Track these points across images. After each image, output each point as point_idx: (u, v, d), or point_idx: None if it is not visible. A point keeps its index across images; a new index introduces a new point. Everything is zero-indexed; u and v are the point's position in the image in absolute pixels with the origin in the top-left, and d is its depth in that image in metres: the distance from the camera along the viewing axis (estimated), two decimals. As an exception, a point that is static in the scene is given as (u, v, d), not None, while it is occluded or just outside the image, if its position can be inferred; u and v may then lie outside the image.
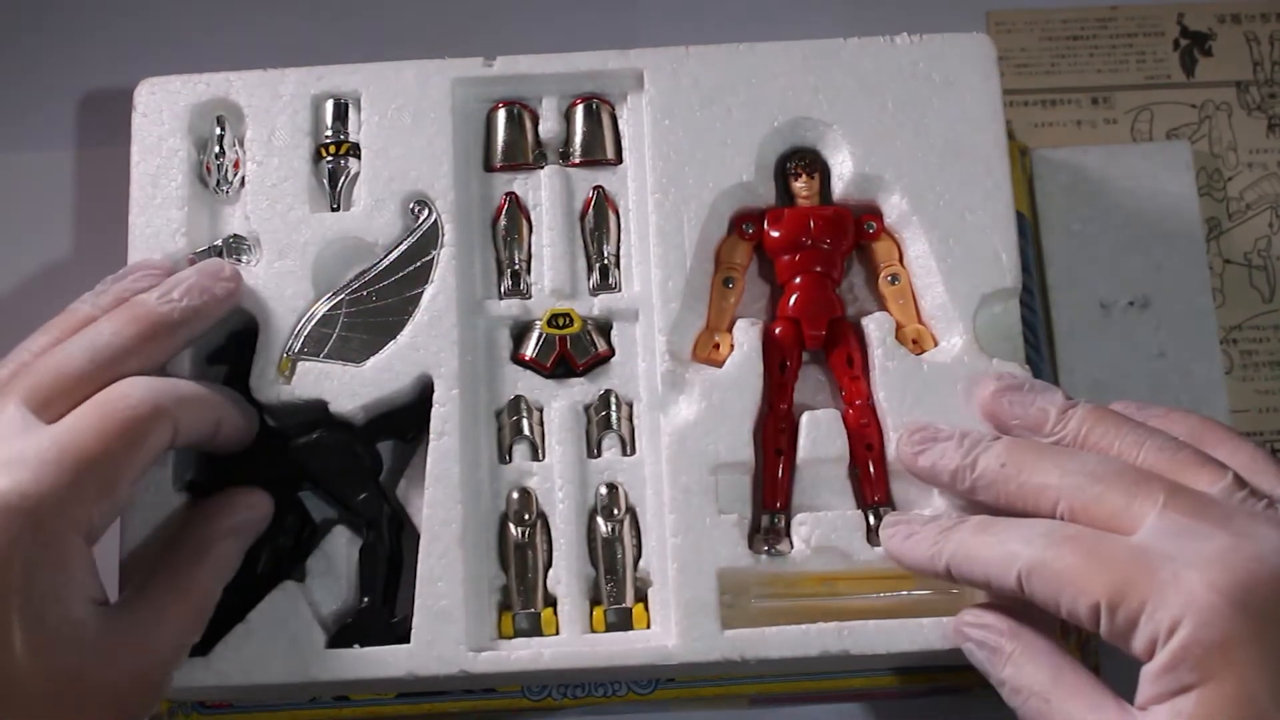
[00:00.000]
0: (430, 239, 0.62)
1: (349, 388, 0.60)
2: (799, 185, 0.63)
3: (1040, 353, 0.70)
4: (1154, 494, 0.50)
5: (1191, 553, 0.48)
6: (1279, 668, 0.47)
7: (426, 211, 0.62)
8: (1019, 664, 0.53)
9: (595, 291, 0.63)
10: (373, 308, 0.61)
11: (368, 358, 0.61)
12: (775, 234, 0.62)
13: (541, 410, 0.61)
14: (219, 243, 0.62)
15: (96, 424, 0.52)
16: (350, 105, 0.64)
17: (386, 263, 0.62)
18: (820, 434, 0.60)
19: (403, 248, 0.62)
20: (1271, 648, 0.47)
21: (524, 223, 0.63)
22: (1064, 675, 0.52)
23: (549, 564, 0.60)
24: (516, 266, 0.63)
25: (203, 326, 0.59)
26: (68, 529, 0.51)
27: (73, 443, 0.51)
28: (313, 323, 0.61)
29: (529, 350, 0.62)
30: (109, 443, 0.52)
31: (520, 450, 0.61)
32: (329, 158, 0.63)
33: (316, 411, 0.61)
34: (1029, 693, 0.52)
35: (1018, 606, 0.54)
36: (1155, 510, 0.50)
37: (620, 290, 0.63)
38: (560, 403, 0.61)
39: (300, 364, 0.61)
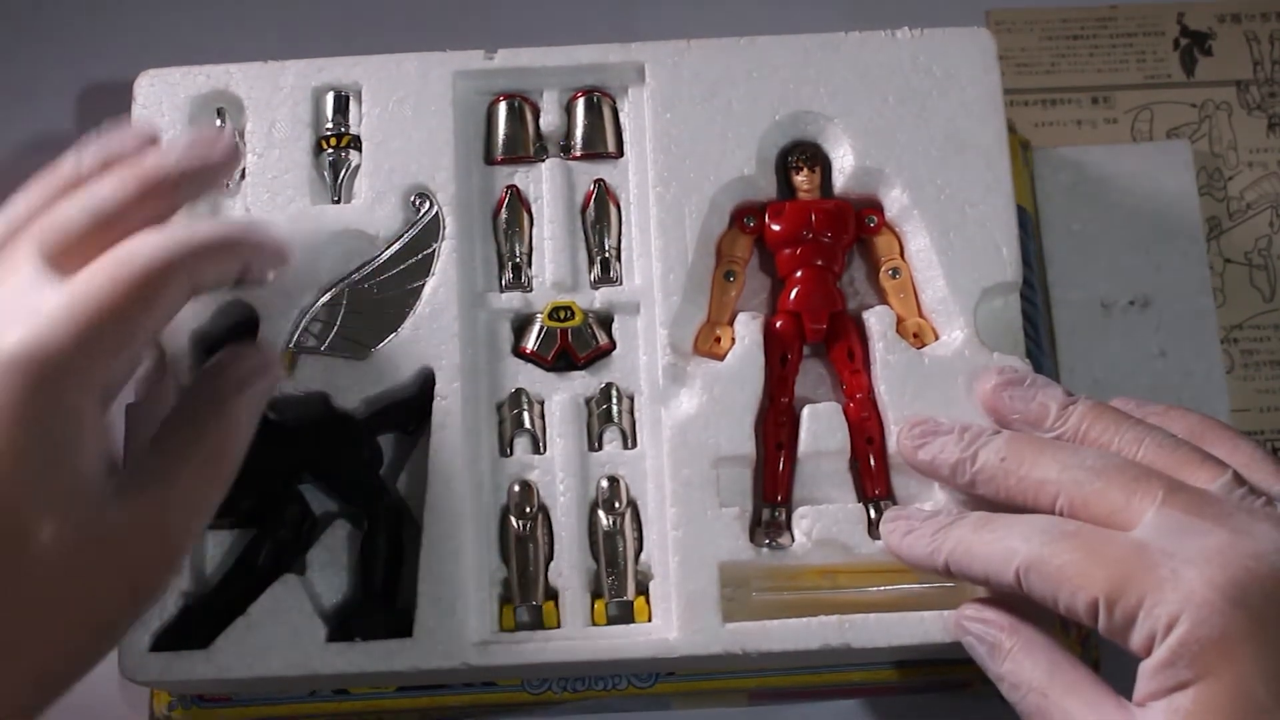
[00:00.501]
0: (431, 232, 0.62)
1: (350, 381, 0.60)
2: (800, 179, 0.63)
3: (1042, 347, 0.70)
4: (1153, 490, 0.50)
5: (1190, 549, 0.48)
6: (1276, 664, 0.47)
7: (427, 204, 0.62)
8: (1018, 659, 0.53)
9: (596, 285, 0.63)
10: (374, 301, 0.61)
11: (369, 351, 0.61)
12: (776, 227, 0.62)
13: (543, 403, 0.61)
14: None
15: (109, 281, 0.50)
16: (351, 98, 0.64)
17: (387, 256, 0.62)
18: (821, 427, 0.60)
19: (404, 240, 0.62)
20: (1269, 644, 0.47)
21: (525, 216, 0.63)
22: (1062, 671, 0.52)
23: (550, 557, 0.60)
24: (517, 259, 0.63)
25: (202, 189, 0.57)
26: (81, 387, 0.49)
27: (85, 300, 0.49)
28: (314, 316, 0.61)
29: (530, 343, 0.62)
30: (122, 300, 0.49)
31: (521, 443, 0.61)
32: (330, 150, 0.63)
33: (318, 404, 0.61)
34: (1027, 688, 0.52)
35: (1017, 602, 0.53)
36: (1154, 506, 0.50)
37: (621, 283, 0.63)
38: (561, 396, 0.61)
39: (301, 357, 0.61)
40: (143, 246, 0.51)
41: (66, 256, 0.51)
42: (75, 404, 0.49)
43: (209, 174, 0.56)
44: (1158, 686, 0.48)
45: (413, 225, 0.62)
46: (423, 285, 0.61)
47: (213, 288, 0.55)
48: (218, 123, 0.62)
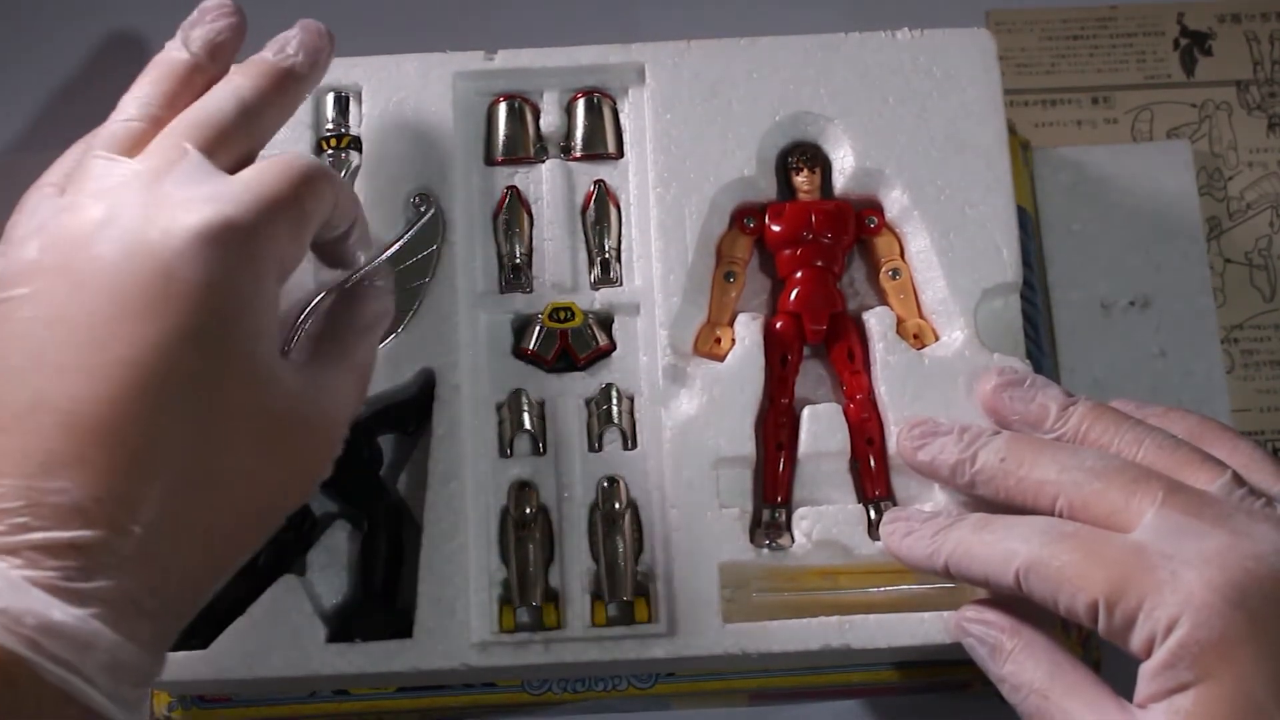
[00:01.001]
0: (431, 233, 0.62)
1: (350, 381, 0.60)
2: (800, 179, 0.63)
3: (1042, 348, 0.70)
4: (1152, 491, 0.50)
5: (1189, 551, 0.48)
6: (1277, 665, 0.47)
7: (427, 205, 0.62)
8: (1018, 661, 0.53)
9: (596, 285, 0.63)
10: (374, 301, 0.61)
11: (369, 351, 0.61)
12: (776, 228, 0.62)
13: (543, 404, 0.61)
14: None
15: (280, 172, 0.51)
16: (351, 98, 0.64)
17: (387, 256, 0.61)
18: (821, 428, 0.60)
19: (404, 241, 0.62)
20: (1269, 645, 0.47)
21: (525, 217, 0.63)
22: (1063, 672, 0.52)
23: (550, 558, 0.60)
24: (518, 260, 0.63)
25: (316, 82, 0.58)
26: (271, 265, 0.50)
27: (263, 185, 0.50)
28: (314, 317, 0.61)
29: (530, 344, 0.62)
30: (296, 188, 0.51)
31: (521, 444, 0.61)
32: (330, 151, 0.63)
33: (317, 405, 0.61)
34: (1028, 689, 0.52)
35: (1018, 603, 0.53)
36: (1154, 508, 0.50)
37: (621, 284, 0.63)
38: (561, 396, 0.61)
39: (301, 357, 0.61)
40: (297, 155, 0.53)
41: (221, 148, 0.52)
42: (269, 281, 0.50)
43: (323, 66, 0.57)
44: (1158, 688, 0.48)
45: (413, 226, 0.62)
46: (423, 286, 0.61)
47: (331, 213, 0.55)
48: None
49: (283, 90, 0.55)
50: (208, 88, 0.54)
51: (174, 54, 0.55)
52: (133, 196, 0.50)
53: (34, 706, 0.43)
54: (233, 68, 0.56)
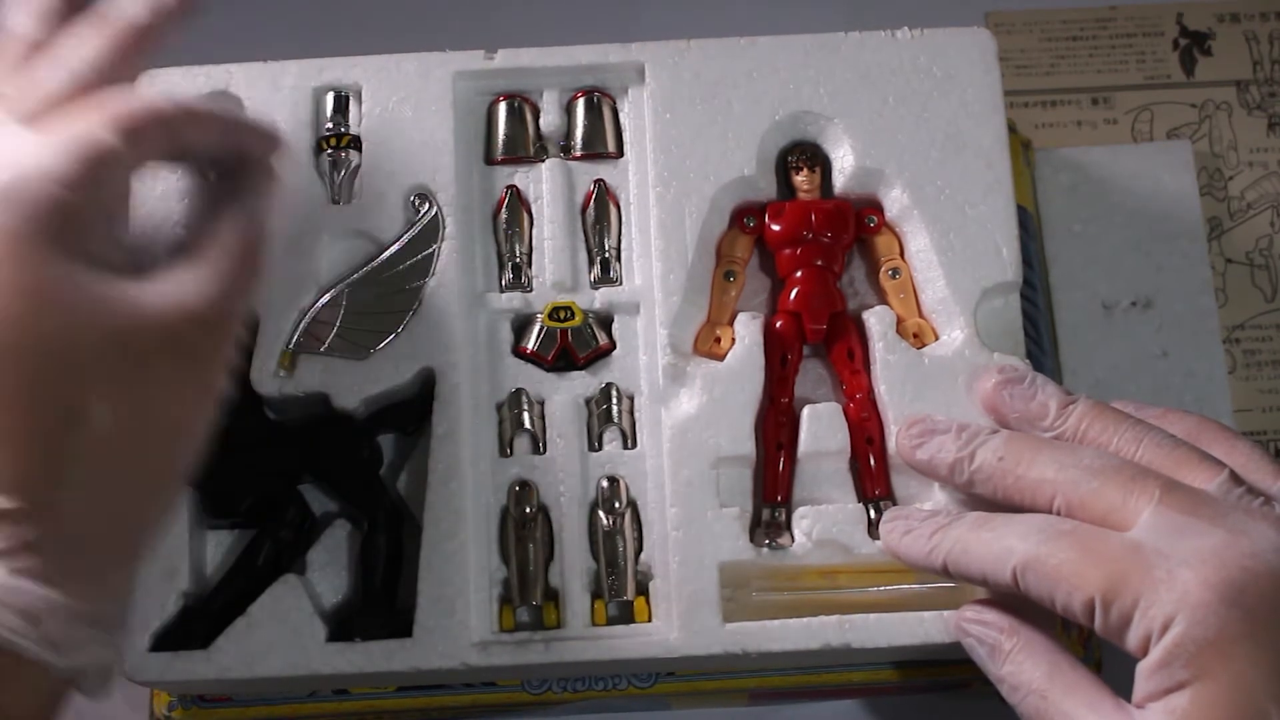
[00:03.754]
0: (431, 232, 0.62)
1: (350, 381, 0.60)
2: (800, 179, 0.63)
3: (1043, 347, 0.70)
4: (1150, 490, 0.50)
5: (1186, 549, 0.48)
6: (1274, 664, 0.47)
7: (427, 205, 0.62)
8: (1018, 661, 0.53)
9: (596, 285, 0.63)
10: (374, 301, 0.61)
11: (369, 351, 0.61)
12: (776, 228, 0.62)
13: (543, 403, 0.61)
14: None
15: (98, 116, 0.48)
16: (351, 98, 0.64)
17: (387, 256, 0.62)
18: (821, 427, 0.60)
19: (404, 241, 0.62)
20: (1266, 644, 0.47)
21: (525, 216, 0.63)
22: (1062, 672, 0.52)
23: (550, 557, 0.60)
24: (518, 260, 0.63)
25: (164, 39, 0.53)
26: (80, 216, 0.48)
27: (77, 135, 0.48)
28: (313, 316, 0.61)
29: (530, 343, 0.62)
30: (110, 136, 0.48)
31: (521, 443, 0.61)
32: (329, 150, 0.63)
33: (318, 405, 0.61)
34: (1027, 689, 0.52)
35: (1018, 603, 0.53)
36: (1151, 506, 0.50)
37: (621, 284, 0.63)
38: (561, 396, 0.61)
39: (301, 357, 0.61)
40: (124, 94, 0.50)
41: (47, 118, 0.49)
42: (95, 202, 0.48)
43: (172, 20, 0.53)
44: (1155, 687, 0.48)
45: (413, 225, 0.62)
46: (423, 285, 0.61)
47: (202, 152, 0.53)
48: None
49: (125, 50, 0.52)
50: None
51: (16, 25, 0.52)
52: None
53: None
54: (71, 30, 0.52)
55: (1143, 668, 0.48)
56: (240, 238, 0.52)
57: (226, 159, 0.54)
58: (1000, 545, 0.52)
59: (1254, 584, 0.48)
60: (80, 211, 0.47)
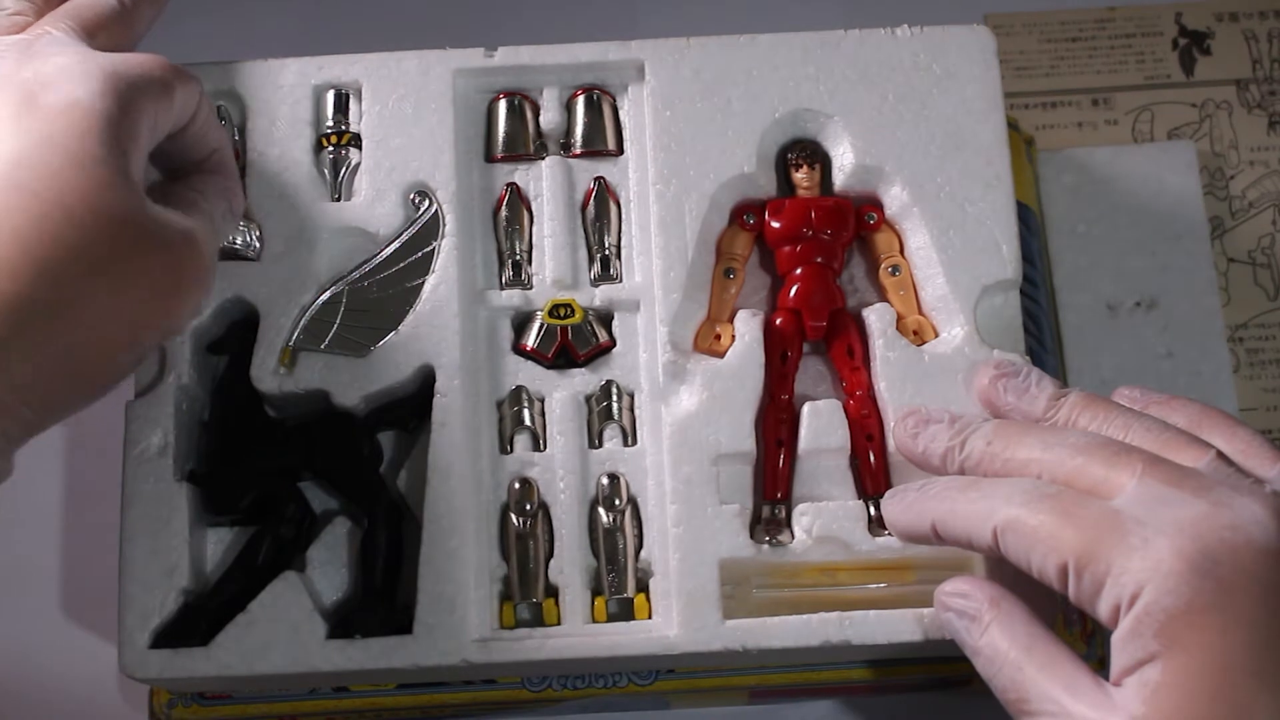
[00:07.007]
0: (431, 229, 0.62)
1: (350, 378, 0.60)
2: (800, 176, 0.63)
3: (1046, 346, 0.70)
4: (1133, 464, 0.50)
5: (1165, 518, 0.48)
6: (1249, 636, 0.46)
7: (427, 202, 0.62)
8: (994, 633, 0.52)
9: (596, 282, 0.63)
10: (374, 298, 0.61)
11: (369, 348, 0.61)
12: (776, 225, 0.62)
13: (543, 401, 0.61)
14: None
15: (152, 58, 0.54)
16: (351, 96, 0.64)
17: (387, 253, 0.62)
18: (821, 424, 0.60)
19: (404, 238, 0.62)
20: (1239, 616, 0.46)
21: (525, 213, 0.63)
22: (1040, 646, 0.50)
23: (550, 554, 0.60)
24: (518, 257, 0.63)
25: None
26: (149, 114, 0.53)
27: (142, 62, 0.54)
28: (314, 313, 0.61)
29: (530, 341, 0.62)
30: (164, 71, 0.54)
31: (521, 440, 0.61)
32: (330, 148, 0.63)
33: (318, 402, 0.61)
34: (1003, 661, 0.51)
35: (1009, 582, 0.53)
36: (1134, 479, 0.49)
37: (621, 281, 0.63)
38: (561, 393, 0.61)
39: (301, 355, 0.61)
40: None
41: (94, 36, 0.55)
42: (148, 123, 0.53)
43: None
44: (1128, 660, 0.47)
45: (413, 223, 0.62)
46: (423, 283, 0.61)
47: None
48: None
49: None
50: None
51: None
52: (8, 56, 0.53)
53: None
54: None
55: (1115, 640, 0.47)
56: (220, 195, 0.57)
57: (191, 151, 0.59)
58: (984, 505, 0.51)
59: (1231, 556, 0.47)
60: (142, 121, 0.53)
